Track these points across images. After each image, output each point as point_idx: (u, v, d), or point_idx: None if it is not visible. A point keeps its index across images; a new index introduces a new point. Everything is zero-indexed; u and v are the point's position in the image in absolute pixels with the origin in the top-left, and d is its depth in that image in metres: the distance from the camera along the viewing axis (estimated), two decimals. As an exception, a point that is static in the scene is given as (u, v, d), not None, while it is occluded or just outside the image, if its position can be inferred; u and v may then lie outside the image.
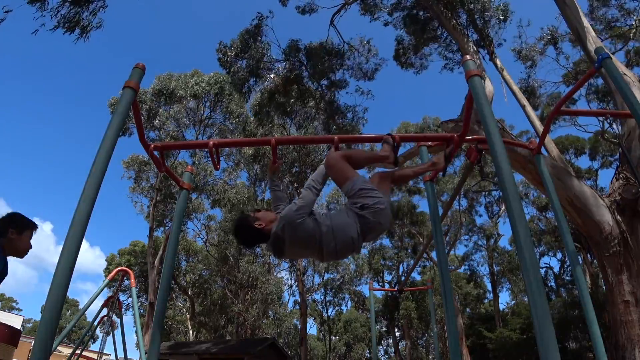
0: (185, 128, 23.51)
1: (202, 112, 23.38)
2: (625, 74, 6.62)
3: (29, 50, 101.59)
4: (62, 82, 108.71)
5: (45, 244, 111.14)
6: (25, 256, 2.85)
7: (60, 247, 1.93)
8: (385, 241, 32.39)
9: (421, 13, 13.24)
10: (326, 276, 34.12)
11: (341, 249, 2.27)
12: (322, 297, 37.30)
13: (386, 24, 14.30)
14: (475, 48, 11.06)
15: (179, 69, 33.38)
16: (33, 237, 2.73)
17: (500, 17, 12.17)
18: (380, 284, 33.37)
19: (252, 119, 21.06)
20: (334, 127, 15.09)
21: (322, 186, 2.48)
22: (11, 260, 3.00)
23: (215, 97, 22.64)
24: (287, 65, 14.73)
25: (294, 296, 35.74)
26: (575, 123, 21.71)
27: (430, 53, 14.61)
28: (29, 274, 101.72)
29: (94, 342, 30.45)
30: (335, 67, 14.81)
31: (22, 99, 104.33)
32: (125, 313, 27.55)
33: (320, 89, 15.30)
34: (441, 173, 2.96)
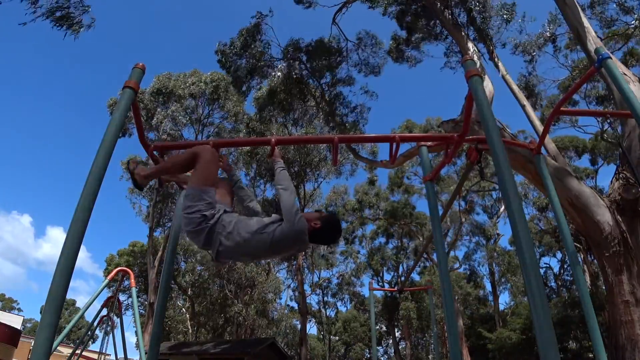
0: (183, 127, 23.42)
1: (200, 111, 23.32)
2: (625, 73, 6.61)
3: (28, 50, 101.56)
4: (60, 82, 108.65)
5: (23, 237, 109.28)
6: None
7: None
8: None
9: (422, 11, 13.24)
10: (326, 276, 34.14)
11: None
12: (322, 297, 37.31)
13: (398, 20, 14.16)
14: (475, 47, 11.03)
15: (178, 69, 33.28)
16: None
17: (504, 16, 12.09)
18: (379, 284, 33.33)
19: (253, 116, 20.99)
20: (334, 126, 15.03)
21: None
22: None
23: (211, 96, 22.55)
24: (287, 64, 14.69)
25: (294, 297, 35.74)
26: (575, 124, 21.71)
27: (429, 52, 14.71)
28: (14, 270, 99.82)
29: (93, 342, 30.45)
30: (336, 64, 14.77)
31: (19, 96, 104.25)
32: (125, 313, 27.54)
33: (320, 87, 15.23)
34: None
